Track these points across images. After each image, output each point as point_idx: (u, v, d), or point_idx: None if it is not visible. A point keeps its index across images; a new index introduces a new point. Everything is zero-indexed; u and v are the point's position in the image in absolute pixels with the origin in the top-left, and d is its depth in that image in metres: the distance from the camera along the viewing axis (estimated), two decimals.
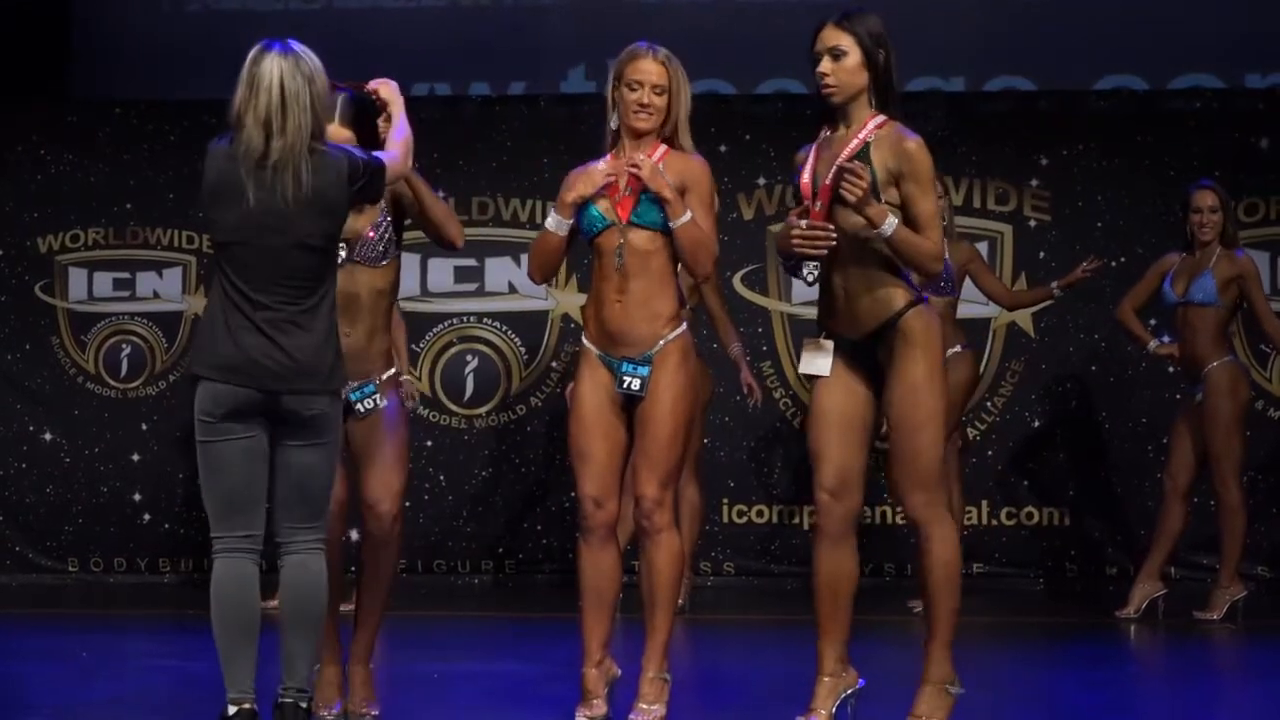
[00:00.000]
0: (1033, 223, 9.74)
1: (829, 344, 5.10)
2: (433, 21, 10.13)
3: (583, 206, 5.35)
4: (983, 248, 9.50)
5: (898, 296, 5.00)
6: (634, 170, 5.25)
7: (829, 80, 4.98)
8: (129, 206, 10.13)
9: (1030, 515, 9.75)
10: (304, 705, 4.84)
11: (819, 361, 5.08)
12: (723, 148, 9.70)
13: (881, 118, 5.00)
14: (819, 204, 5.03)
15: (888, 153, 4.94)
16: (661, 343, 5.28)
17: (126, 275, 10.14)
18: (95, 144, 10.13)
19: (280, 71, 4.75)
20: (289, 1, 10.08)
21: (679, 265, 5.38)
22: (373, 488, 5.43)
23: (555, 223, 5.38)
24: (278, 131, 4.72)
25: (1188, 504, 8.31)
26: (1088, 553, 9.70)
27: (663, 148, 5.33)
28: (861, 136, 4.98)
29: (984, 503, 9.69)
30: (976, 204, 9.76)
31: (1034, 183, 9.79)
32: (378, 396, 5.40)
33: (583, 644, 5.39)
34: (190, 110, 10.08)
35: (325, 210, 4.75)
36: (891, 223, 4.88)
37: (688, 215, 5.25)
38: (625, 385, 5.29)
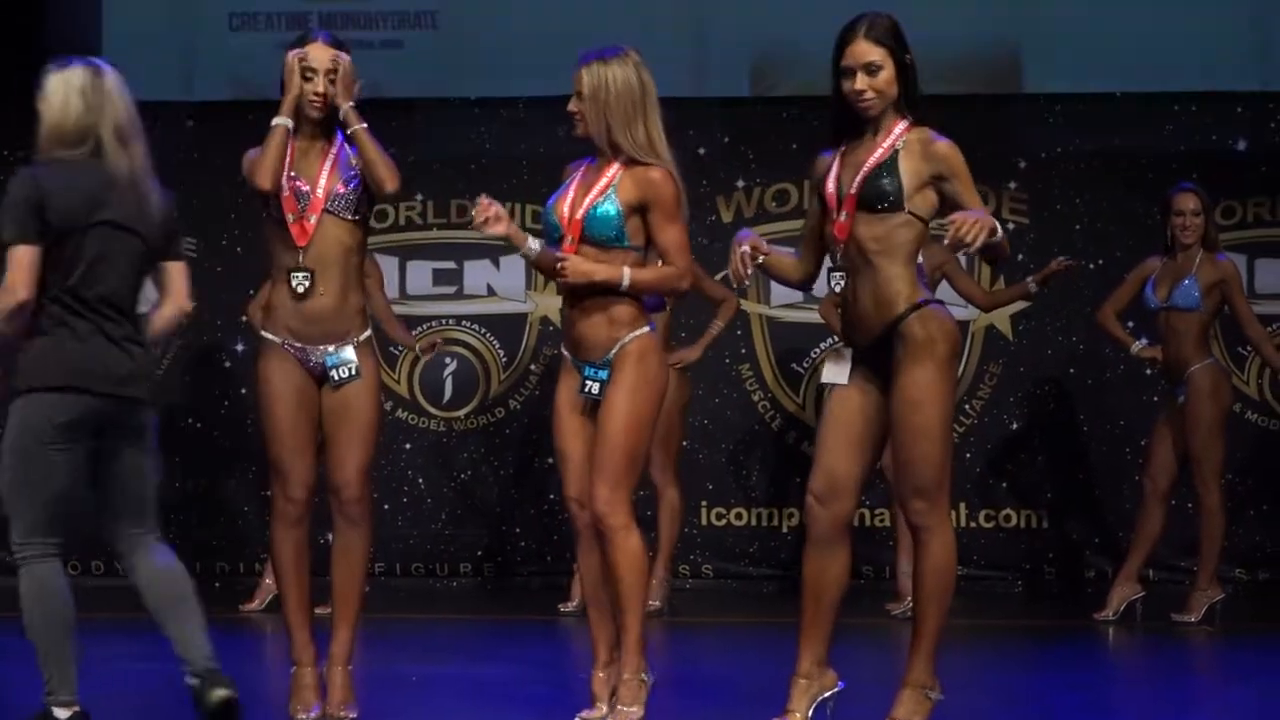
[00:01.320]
0: (1011, 225, 9.75)
1: (848, 352, 5.12)
2: (411, 24, 10.13)
3: (545, 210, 5.40)
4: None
5: (900, 300, 5.00)
6: (562, 279, 5.27)
7: (868, 97, 4.99)
8: None
9: (1009, 518, 9.76)
10: (216, 666, 4.90)
11: (838, 370, 5.12)
12: (702, 150, 9.70)
13: (907, 122, 5.03)
14: (844, 214, 5.04)
15: (919, 158, 4.97)
16: (619, 346, 5.28)
17: None
18: None
19: (119, 85, 5.00)
20: (261, 4, 10.03)
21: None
22: (339, 469, 5.42)
23: (529, 250, 5.39)
24: (128, 143, 4.89)
25: (1166, 506, 8.31)
26: (1066, 555, 9.72)
27: (616, 165, 5.28)
28: (888, 144, 5.00)
29: (962, 505, 9.70)
30: None
31: (1012, 185, 9.81)
32: (354, 365, 5.39)
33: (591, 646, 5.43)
34: (170, 111, 10.06)
35: (164, 229, 5.03)
36: (999, 233, 4.86)
37: (626, 278, 5.23)
38: (585, 390, 5.31)
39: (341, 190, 5.39)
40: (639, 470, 5.32)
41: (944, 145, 4.99)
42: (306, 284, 5.34)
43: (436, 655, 7.35)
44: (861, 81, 4.98)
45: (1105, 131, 9.77)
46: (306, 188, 5.39)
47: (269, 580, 8.67)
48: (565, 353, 5.41)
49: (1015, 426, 9.81)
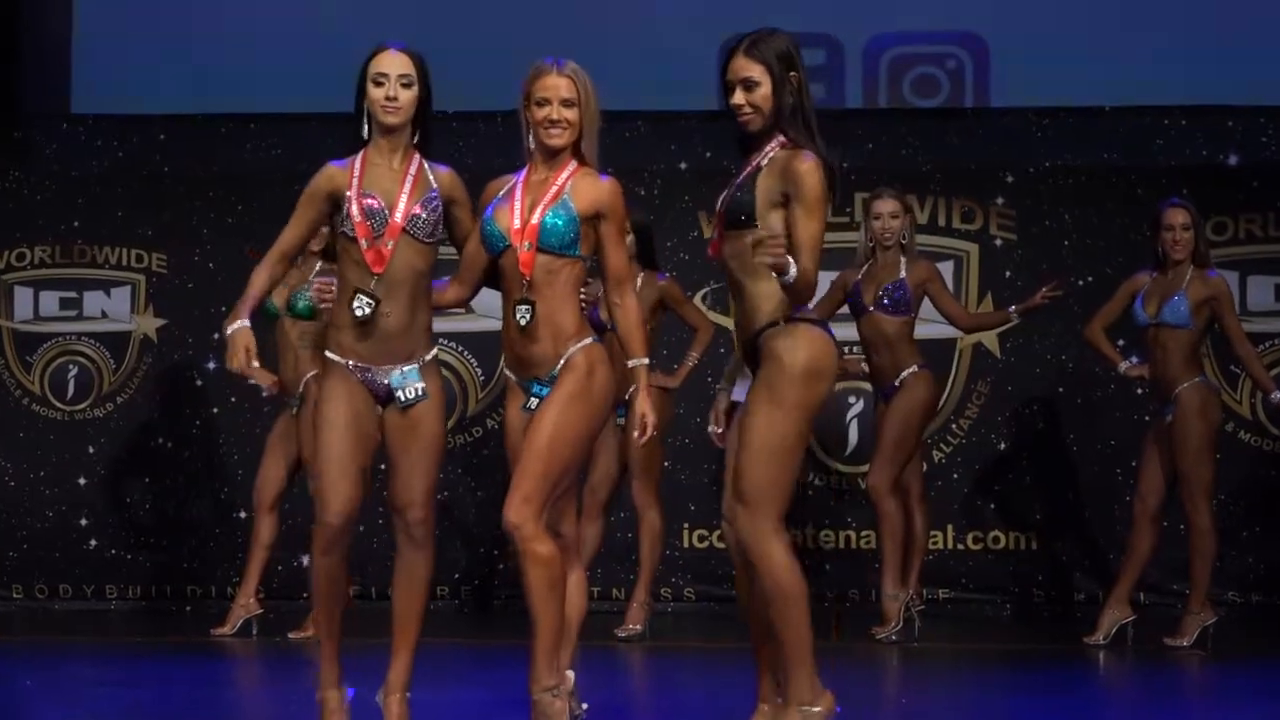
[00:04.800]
0: (999, 241, 9.76)
1: (748, 370, 5.22)
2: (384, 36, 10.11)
3: (484, 220, 5.36)
4: (948, 267, 9.53)
5: (759, 317, 5.06)
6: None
7: (744, 112, 5.09)
8: (76, 224, 10.08)
9: (997, 539, 9.75)
10: None
11: (741, 388, 5.21)
12: (683, 165, 9.70)
13: (781, 139, 5.08)
14: (716, 232, 5.16)
15: (776, 176, 5.03)
16: (563, 360, 5.28)
17: (73, 294, 10.09)
18: (42, 159, 10.07)
19: None
20: (243, 19, 10.02)
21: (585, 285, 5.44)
22: (405, 489, 5.40)
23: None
24: None
25: (1158, 528, 8.30)
26: (1056, 578, 9.71)
27: (573, 164, 5.33)
28: (756, 161, 5.09)
29: (950, 527, 9.69)
30: (941, 222, 9.78)
31: (1000, 200, 9.81)
32: (420, 386, 5.37)
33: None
34: (140, 125, 10.05)
35: None
36: (792, 274, 4.90)
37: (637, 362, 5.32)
38: (527, 406, 5.33)
39: (420, 213, 5.34)
40: (561, 484, 5.29)
41: (802, 165, 5.01)
42: (369, 309, 5.28)
43: (414, 680, 7.29)
44: (739, 96, 5.10)
45: (1094, 146, 9.78)
46: (379, 205, 5.31)
47: (241, 604, 8.65)
48: (509, 373, 5.42)
49: (1003, 446, 9.81)
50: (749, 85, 5.08)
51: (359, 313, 5.28)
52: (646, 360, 5.32)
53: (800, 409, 5.01)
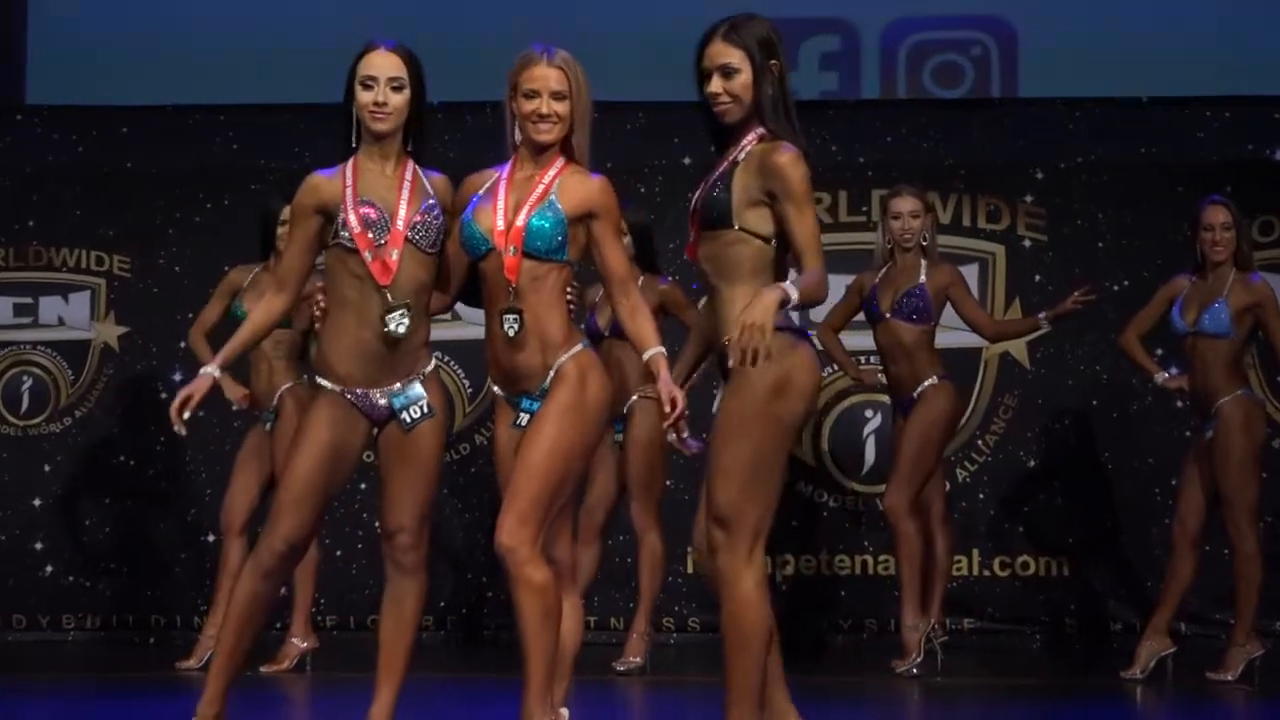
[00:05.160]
0: (1027, 242, 9.78)
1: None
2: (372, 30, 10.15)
3: (464, 221, 5.36)
4: (972, 270, 9.54)
5: (731, 325, 5.00)
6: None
7: (721, 100, 5.11)
8: (31, 223, 10.10)
9: (1026, 565, 9.77)
10: None
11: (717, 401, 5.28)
12: (686, 160, 9.73)
13: (759, 132, 5.11)
14: (692, 232, 5.17)
15: (753, 171, 5.05)
16: (553, 371, 5.29)
17: (28, 300, 10.11)
18: None
19: None
20: (212, 2, 10.06)
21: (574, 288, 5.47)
22: (396, 512, 5.43)
23: None
24: None
25: (1199, 552, 8.29)
26: (1089, 606, 9.72)
27: (560, 161, 5.34)
28: (733, 156, 5.11)
29: (975, 551, 9.71)
30: (965, 222, 9.80)
31: (1028, 199, 9.83)
32: (425, 402, 5.41)
33: None
34: (101, 116, 10.07)
35: None
36: (794, 297, 4.87)
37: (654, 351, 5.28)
38: (517, 422, 5.33)
39: (421, 219, 5.36)
40: (557, 503, 5.30)
41: (782, 158, 5.01)
42: (407, 321, 5.31)
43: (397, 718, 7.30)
44: (716, 84, 5.11)
45: (1130, 139, 9.79)
46: (376, 215, 5.33)
47: (209, 635, 8.64)
48: (496, 389, 5.43)
49: (1032, 464, 9.82)
50: (727, 72, 5.09)
51: (400, 329, 5.32)
52: (663, 348, 5.27)
53: (772, 428, 5.01)
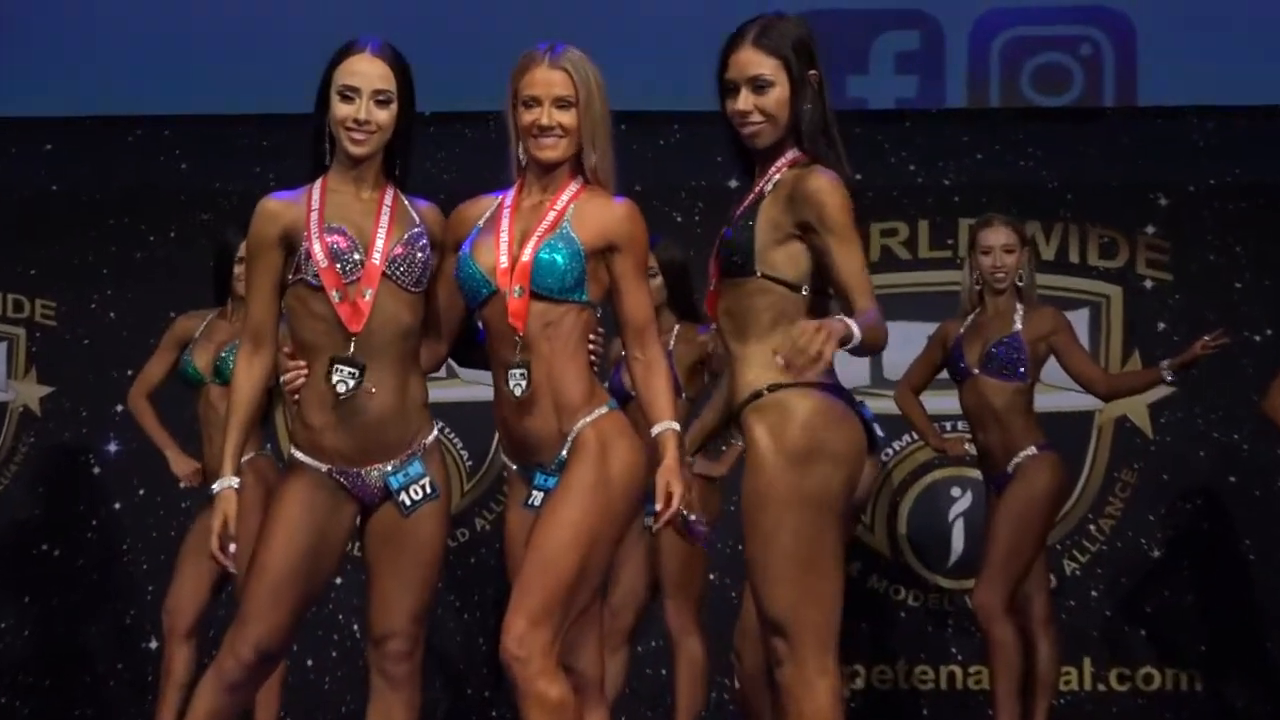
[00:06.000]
0: (1148, 282, 9.78)
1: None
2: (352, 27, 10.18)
3: (461, 258, 5.33)
4: (1081, 316, 9.53)
5: (744, 389, 5.08)
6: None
7: (752, 120, 5.11)
8: None
9: (1149, 678, 9.73)
10: None
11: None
12: (732, 183, 9.70)
13: (792, 155, 5.11)
14: (712, 281, 5.18)
15: (783, 202, 5.04)
16: (570, 438, 5.25)
17: None
18: None
19: None
20: (173, 17, 10.09)
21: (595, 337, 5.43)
22: (387, 613, 5.43)
23: None
24: None
25: None
26: None
27: (576, 183, 5.31)
28: (759, 187, 5.11)
29: (1086, 661, 9.69)
30: (1073, 258, 9.80)
31: (1149, 230, 9.84)
32: (428, 481, 5.40)
33: None
34: (21, 130, 10.09)
35: None
36: (856, 337, 4.84)
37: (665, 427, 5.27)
38: (529, 501, 5.31)
39: (403, 252, 5.34)
40: (577, 602, 5.25)
41: (817, 182, 5.01)
42: (352, 382, 5.29)
43: None
44: (745, 100, 5.10)
45: (1273, 157, 9.78)
46: (347, 245, 5.31)
47: None
48: (506, 460, 5.42)
49: (1157, 554, 9.80)
50: (759, 86, 5.09)
51: (340, 388, 5.29)
52: (676, 425, 5.26)
53: (807, 506, 4.98)
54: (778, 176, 5.08)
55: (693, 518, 5.29)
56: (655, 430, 5.24)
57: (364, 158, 5.36)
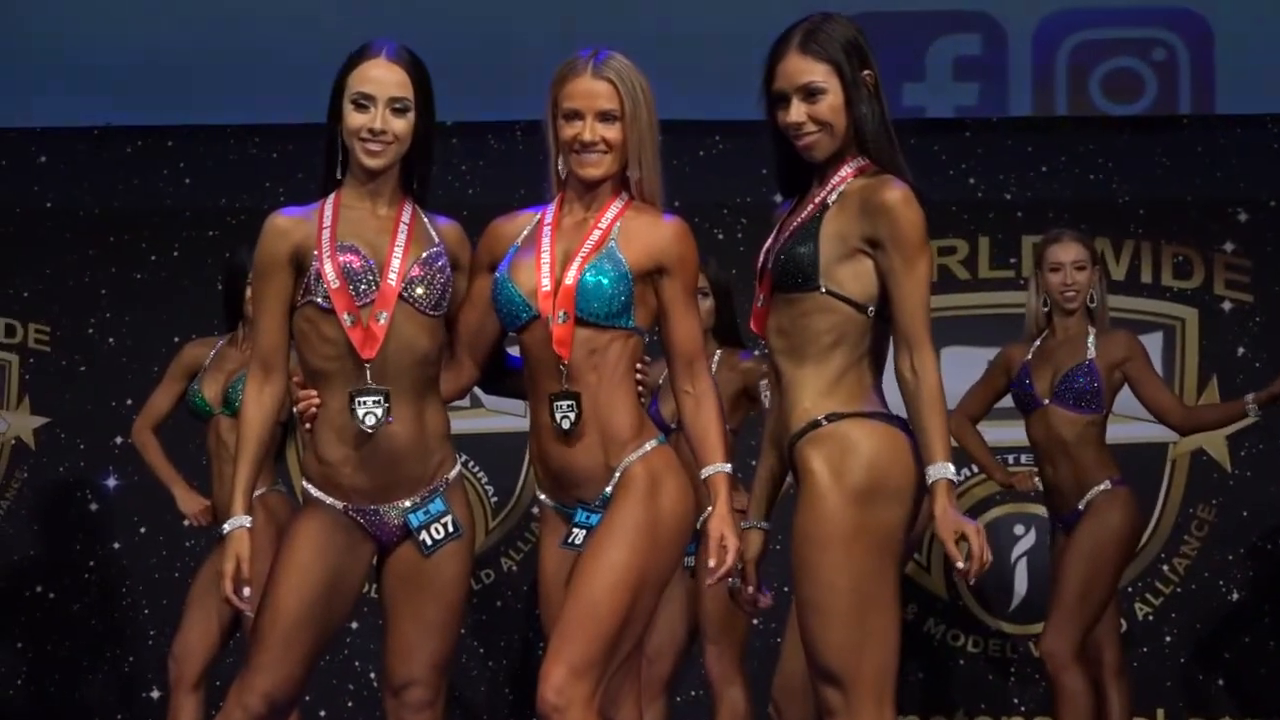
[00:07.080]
0: (1227, 304, 9.75)
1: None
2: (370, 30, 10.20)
3: (498, 281, 5.30)
4: (1155, 340, 9.51)
5: (800, 416, 5.05)
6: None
7: (807, 131, 5.07)
8: None
9: None
10: None
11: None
12: (779, 197, 9.68)
13: (859, 164, 5.08)
14: (761, 298, 5.15)
15: (852, 215, 5.00)
16: (618, 474, 5.22)
17: None
18: None
19: None
20: (176, 19, 10.11)
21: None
22: (407, 660, 5.45)
23: None
24: None
25: None
26: None
27: (621, 199, 5.28)
28: (821, 197, 5.07)
29: (1160, 712, 9.67)
30: (1146, 278, 9.80)
31: (1228, 247, 9.82)
32: (451, 519, 5.40)
33: None
34: (13, 143, 10.09)
35: None
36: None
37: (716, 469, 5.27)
38: (570, 541, 5.25)
39: (421, 273, 5.34)
40: (622, 651, 5.22)
41: (893, 194, 4.98)
42: (380, 415, 5.29)
43: None
44: (797, 111, 5.07)
45: None
46: (361, 265, 5.31)
47: None
48: (544, 498, 5.38)
49: (1236, 596, 9.78)
50: (810, 93, 5.05)
51: (369, 420, 5.29)
52: (728, 466, 5.24)
53: (868, 546, 4.96)
54: (842, 186, 5.05)
55: (750, 589, 5.28)
56: (705, 473, 5.22)
57: (380, 171, 5.35)
